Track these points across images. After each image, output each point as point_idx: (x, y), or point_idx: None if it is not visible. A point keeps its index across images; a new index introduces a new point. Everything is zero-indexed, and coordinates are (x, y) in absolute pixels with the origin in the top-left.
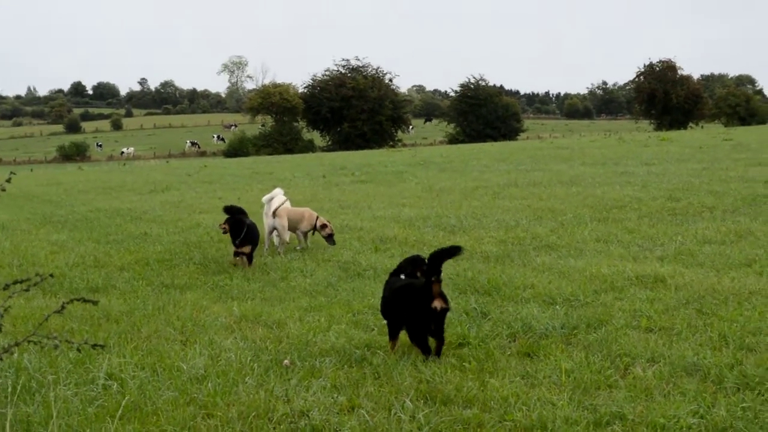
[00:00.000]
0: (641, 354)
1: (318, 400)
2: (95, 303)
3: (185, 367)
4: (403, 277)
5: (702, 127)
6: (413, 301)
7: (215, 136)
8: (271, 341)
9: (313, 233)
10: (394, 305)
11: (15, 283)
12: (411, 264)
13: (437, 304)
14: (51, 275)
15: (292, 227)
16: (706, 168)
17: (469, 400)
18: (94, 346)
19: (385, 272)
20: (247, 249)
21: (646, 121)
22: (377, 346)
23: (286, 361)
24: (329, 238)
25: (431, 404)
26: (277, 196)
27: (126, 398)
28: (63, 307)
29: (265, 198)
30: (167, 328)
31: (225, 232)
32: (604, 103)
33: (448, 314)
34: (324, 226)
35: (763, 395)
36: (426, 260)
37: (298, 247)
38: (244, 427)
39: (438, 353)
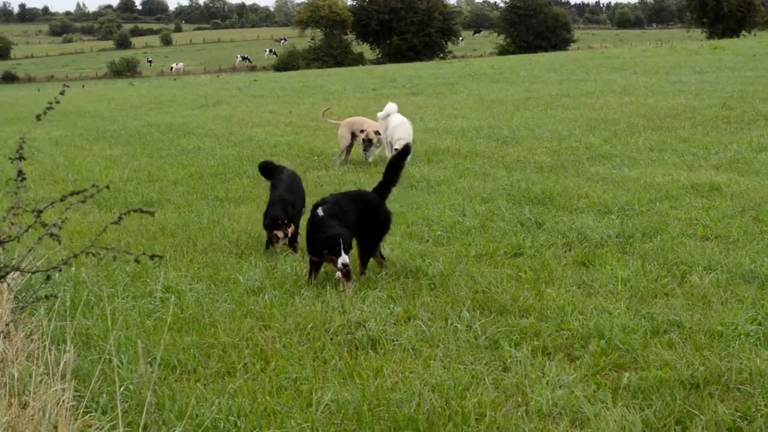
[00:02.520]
0: (698, 262)
1: (374, 311)
2: (152, 214)
3: (242, 280)
4: None
5: (755, 35)
6: None
7: (267, 50)
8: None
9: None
10: None
11: (72, 194)
12: None
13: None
14: (107, 187)
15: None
16: (760, 76)
17: (526, 309)
18: (152, 256)
19: (438, 183)
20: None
21: (698, 29)
22: (432, 256)
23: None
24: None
25: (487, 314)
26: (393, 114)
27: (186, 311)
28: (120, 218)
29: (380, 114)
30: (223, 241)
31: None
32: (655, 12)
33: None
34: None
35: None
36: None
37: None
38: (301, 338)
39: None
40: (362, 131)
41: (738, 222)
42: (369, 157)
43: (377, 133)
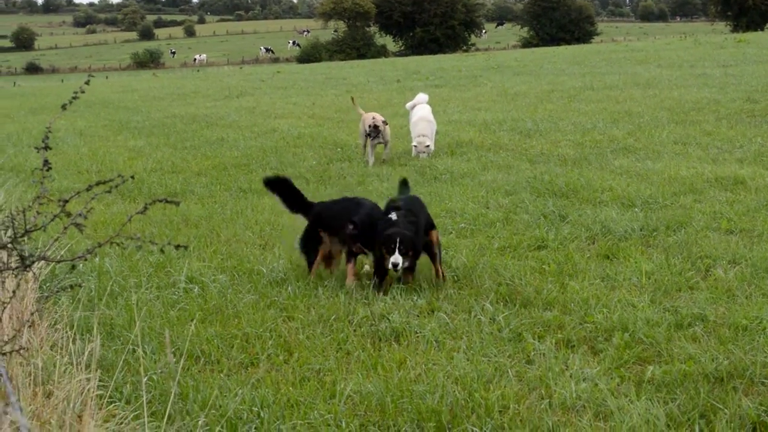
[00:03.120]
0: (722, 255)
1: (398, 303)
2: (177, 204)
3: (265, 271)
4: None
5: None
6: None
7: (291, 41)
8: None
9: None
10: None
11: (98, 184)
12: None
13: None
14: (132, 177)
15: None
16: None
17: (549, 302)
18: (177, 246)
19: (462, 176)
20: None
21: (722, 22)
22: (456, 249)
23: (366, 266)
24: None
25: (511, 306)
26: (421, 104)
27: (210, 302)
28: (146, 208)
29: (408, 104)
30: (246, 233)
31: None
32: (678, 6)
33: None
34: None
35: None
36: None
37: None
38: (324, 329)
39: None
40: (372, 119)
41: (763, 216)
42: (370, 154)
43: (385, 122)
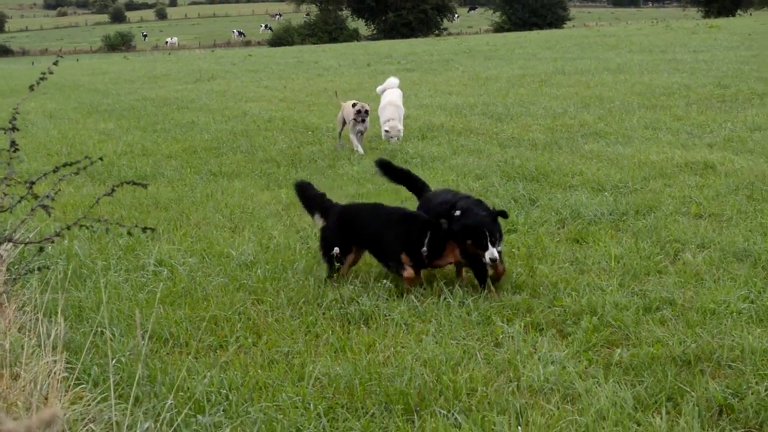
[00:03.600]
0: (691, 240)
1: (367, 286)
2: (145, 186)
3: (234, 254)
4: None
5: (750, 14)
6: None
7: (263, 25)
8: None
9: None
10: None
11: (65, 165)
12: None
13: None
14: (101, 159)
15: None
16: (755, 55)
17: (519, 285)
18: (144, 229)
19: (432, 160)
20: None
21: (694, 8)
22: None
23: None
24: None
25: (480, 290)
26: (391, 89)
27: (179, 285)
28: (113, 190)
29: (379, 89)
30: (216, 216)
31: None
32: None
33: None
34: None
35: None
36: None
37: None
38: (293, 312)
39: None
40: (354, 104)
41: (732, 200)
42: (359, 140)
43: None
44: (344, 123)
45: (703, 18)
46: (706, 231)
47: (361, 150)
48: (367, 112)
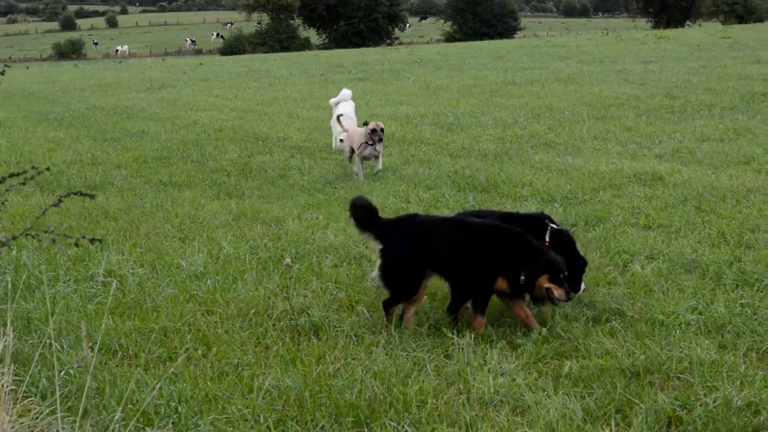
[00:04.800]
0: (640, 251)
1: (317, 298)
2: (92, 197)
3: (184, 265)
4: None
5: (699, 25)
6: None
7: (215, 33)
8: (269, 239)
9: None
10: None
11: (11, 176)
12: None
13: None
14: (48, 169)
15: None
16: (704, 66)
17: None
18: (92, 240)
19: (383, 170)
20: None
21: (644, 19)
22: None
23: (287, 260)
24: None
25: (431, 301)
26: (345, 101)
27: (128, 296)
28: (60, 201)
29: (332, 101)
30: (166, 226)
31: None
32: (601, 1)
33: (445, 212)
34: None
35: (761, 291)
36: None
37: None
38: (243, 323)
39: None
40: (366, 123)
41: (680, 211)
42: (361, 168)
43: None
44: (353, 151)
45: (652, 29)
46: (655, 242)
47: (362, 177)
48: (382, 130)
